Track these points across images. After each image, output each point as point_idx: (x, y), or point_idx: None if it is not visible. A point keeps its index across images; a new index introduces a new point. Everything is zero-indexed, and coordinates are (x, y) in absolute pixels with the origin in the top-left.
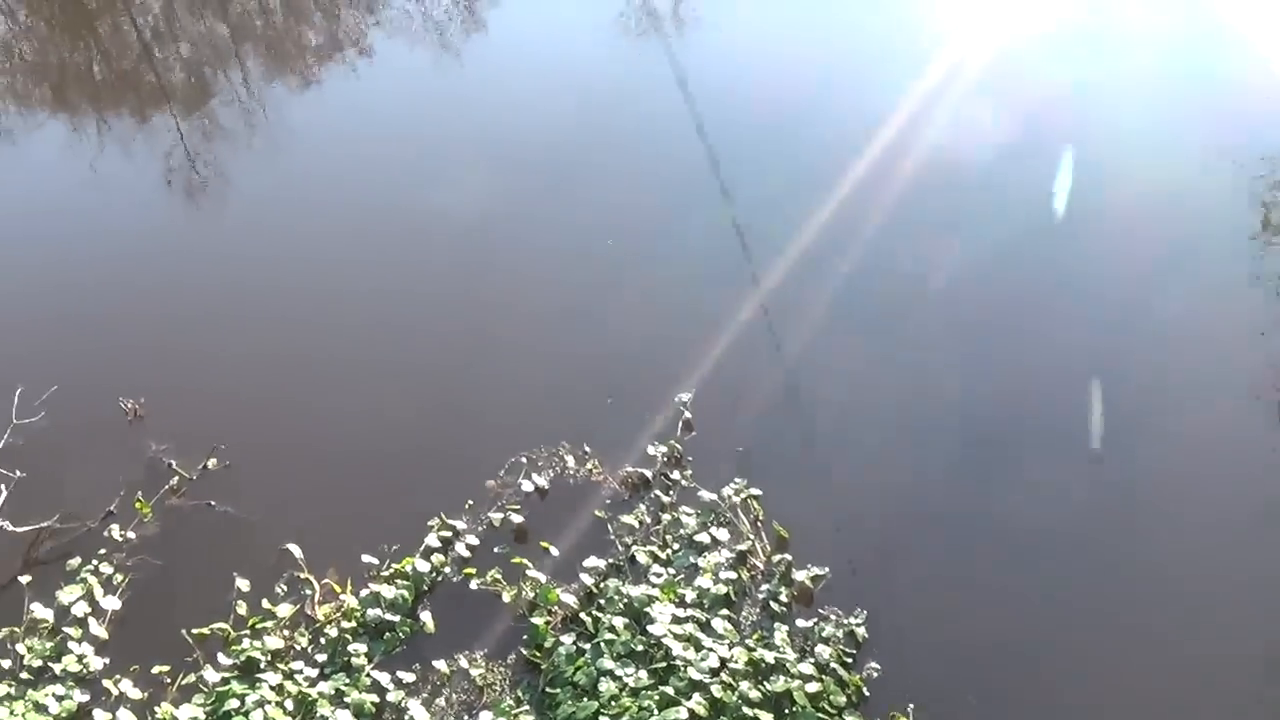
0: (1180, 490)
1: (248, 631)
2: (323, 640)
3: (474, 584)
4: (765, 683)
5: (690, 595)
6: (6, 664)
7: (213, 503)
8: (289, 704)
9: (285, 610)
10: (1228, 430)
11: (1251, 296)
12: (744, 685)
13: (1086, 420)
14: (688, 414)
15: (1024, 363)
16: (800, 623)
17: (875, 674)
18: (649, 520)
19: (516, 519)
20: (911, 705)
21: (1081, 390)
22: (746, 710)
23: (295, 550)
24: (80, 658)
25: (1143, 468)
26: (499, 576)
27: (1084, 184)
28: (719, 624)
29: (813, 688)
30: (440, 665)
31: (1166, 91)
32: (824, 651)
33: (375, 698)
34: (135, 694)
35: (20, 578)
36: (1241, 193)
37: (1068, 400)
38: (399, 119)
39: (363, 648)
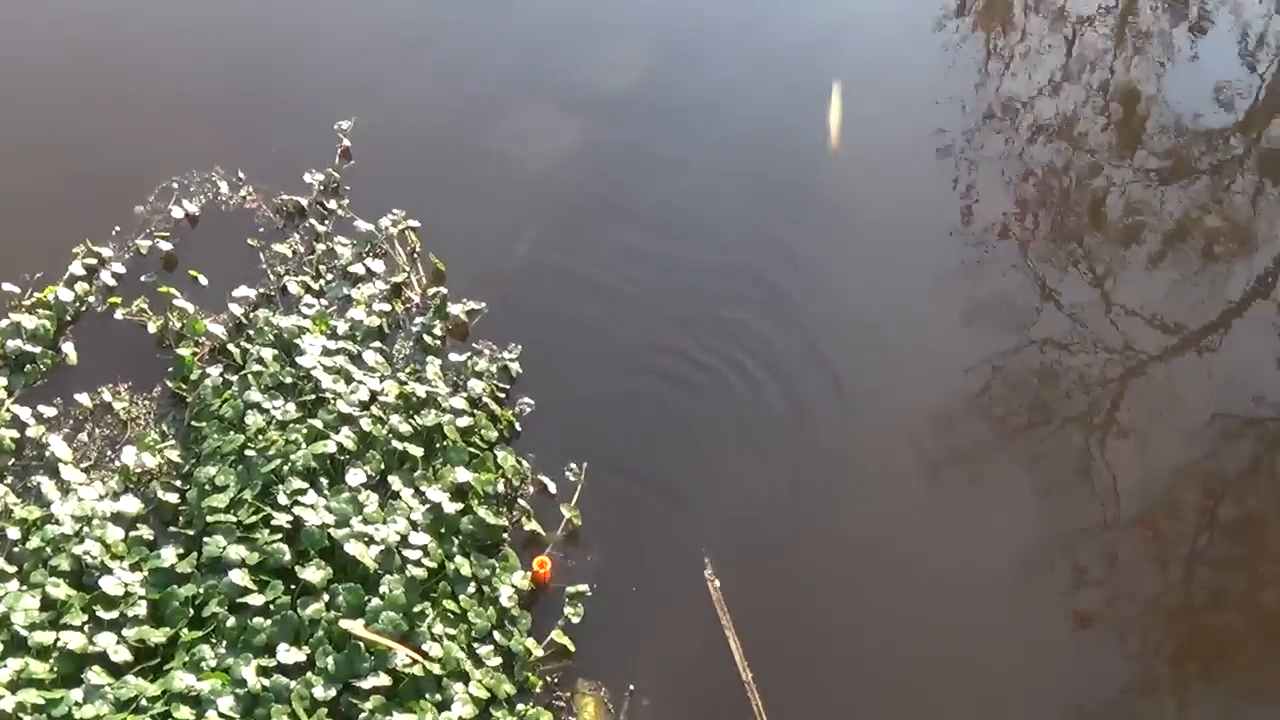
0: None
1: None
2: None
3: (119, 314)
4: (416, 416)
5: (342, 327)
6: None
7: None
8: None
9: None
10: None
11: None
12: (394, 419)
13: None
14: (346, 142)
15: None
16: (454, 357)
17: (528, 409)
18: (303, 250)
19: (165, 246)
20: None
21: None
22: (396, 444)
23: None
24: None
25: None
26: (145, 306)
27: None
28: (371, 357)
29: (464, 422)
30: (83, 399)
31: None
32: (477, 386)
33: (15, 433)
34: None
35: None
36: None
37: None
38: None
39: (2, 381)
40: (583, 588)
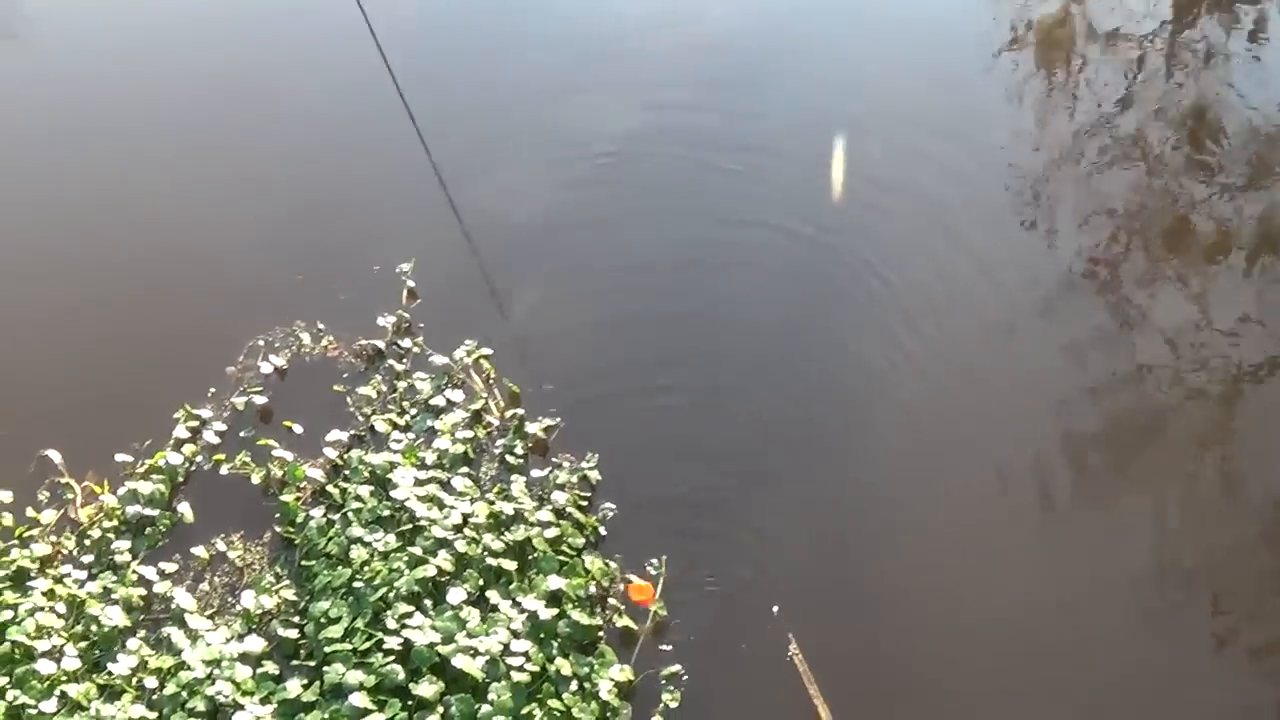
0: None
1: (15, 541)
2: (88, 542)
3: (225, 469)
4: (506, 533)
5: (430, 457)
6: None
7: None
8: (60, 607)
9: (49, 516)
10: None
11: None
12: (487, 538)
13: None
14: (411, 283)
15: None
16: (536, 473)
17: (610, 513)
18: (385, 389)
19: (259, 401)
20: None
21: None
22: (491, 560)
23: (54, 455)
24: None
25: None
26: (247, 460)
27: None
28: (459, 482)
29: (551, 533)
30: (200, 552)
31: None
32: (560, 497)
33: (142, 591)
34: None
35: None
36: None
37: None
38: None
39: (126, 544)
40: (676, 668)
